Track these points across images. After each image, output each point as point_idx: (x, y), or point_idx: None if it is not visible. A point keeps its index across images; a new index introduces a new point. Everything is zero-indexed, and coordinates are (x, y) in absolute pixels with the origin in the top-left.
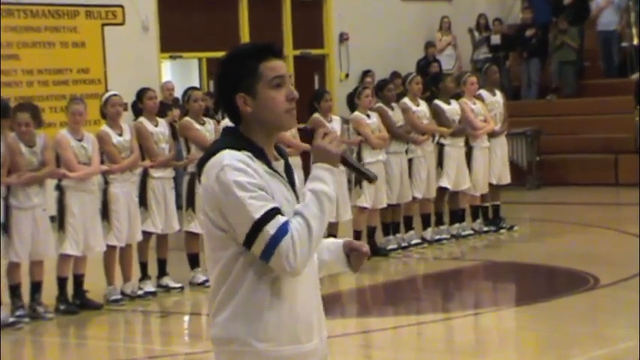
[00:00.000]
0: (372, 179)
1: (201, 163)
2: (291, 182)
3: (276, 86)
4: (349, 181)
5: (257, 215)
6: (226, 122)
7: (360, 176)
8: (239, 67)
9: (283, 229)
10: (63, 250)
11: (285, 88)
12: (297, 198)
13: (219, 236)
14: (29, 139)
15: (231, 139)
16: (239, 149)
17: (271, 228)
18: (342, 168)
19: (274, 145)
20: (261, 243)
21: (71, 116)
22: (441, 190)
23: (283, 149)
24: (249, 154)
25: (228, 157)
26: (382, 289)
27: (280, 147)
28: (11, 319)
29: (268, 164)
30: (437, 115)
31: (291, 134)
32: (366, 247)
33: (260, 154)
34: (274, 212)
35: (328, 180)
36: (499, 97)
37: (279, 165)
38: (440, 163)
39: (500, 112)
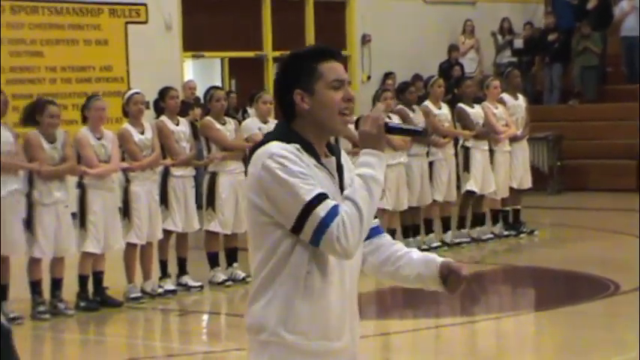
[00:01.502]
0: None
1: (251, 153)
2: (341, 180)
3: (334, 88)
4: None
5: (307, 198)
6: (247, 122)
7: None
8: (300, 66)
9: (333, 212)
10: (84, 249)
11: (342, 89)
12: None
13: (263, 222)
14: (50, 134)
15: (282, 133)
16: (288, 142)
17: (321, 211)
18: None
19: (327, 143)
20: (311, 226)
21: (94, 112)
22: (468, 194)
23: (336, 147)
24: (298, 146)
25: (277, 147)
26: (401, 291)
27: (332, 145)
28: (12, 315)
29: (317, 159)
30: (461, 118)
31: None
32: (464, 272)
33: (309, 149)
34: (323, 196)
35: (374, 164)
36: (521, 101)
37: (330, 162)
38: (466, 167)
39: (523, 116)
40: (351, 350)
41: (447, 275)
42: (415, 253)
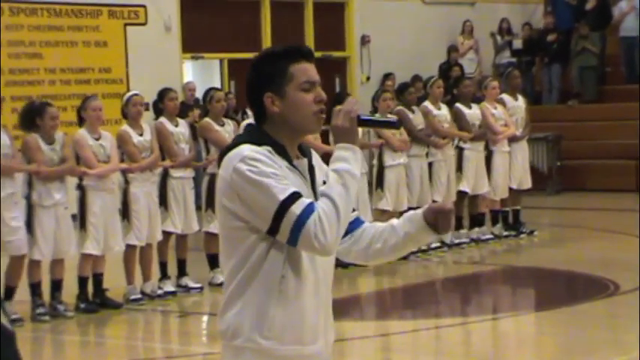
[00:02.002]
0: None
1: (221, 156)
2: (313, 182)
3: (305, 90)
4: (370, 184)
5: (281, 197)
6: (245, 124)
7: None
8: (269, 68)
9: (309, 209)
10: (84, 250)
11: (314, 91)
12: (316, 198)
13: (236, 227)
14: (49, 136)
15: (253, 135)
16: (259, 144)
17: (297, 208)
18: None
19: (298, 145)
20: (287, 225)
21: (92, 112)
22: (461, 194)
23: (307, 148)
24: (270, 148)
25: (248, 149)
26: (401, 292)
27: (304, 146)
28: (13, 317)
29: (289, 161)
30: (457, 118)
31: (314, 137)
32: (448, 205)
33: (281, 151)
34: (298, 195)
35: (349, 158)
36: (521, 101)
37: (301, 163)
38: (459, 167)
39: (522, 116)
40: (325, 354)
41: (434, 219)
42: (395, 221)
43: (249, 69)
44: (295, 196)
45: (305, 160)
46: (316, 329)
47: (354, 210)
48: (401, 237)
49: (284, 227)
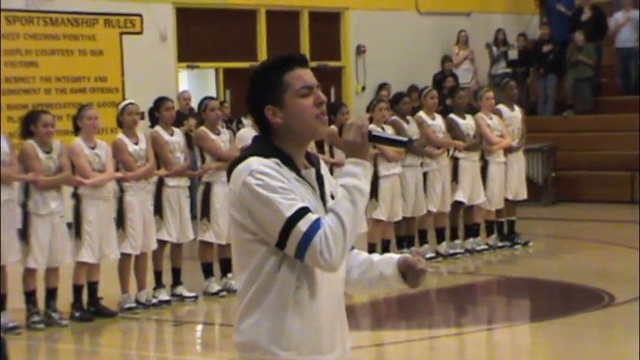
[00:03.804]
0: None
1: (230, 170)
2: (322, 191)
3: (303, 95)
4: None
5: (288, 213)
6: (242, 133)
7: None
8: (265, 80)
9: (315, 226)
10: (79, 258)
11: (312, 95)
12: (325, 207)
13: (248, 240)
14: (46, 144)
15: (260, 147)
16: (267, 157)
17: (303, 225)
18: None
19: (306, 154)
20: (293, 241)
21: (87, 121)
22: (457, 204)
23: (315, 158)
24: (277, 160)
25: (256, 163)
26: (396, 302)
27: (312, 155)
28: (11, 324)
29: (297, 172)
30: (451, 128)
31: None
32: (421, 264)
33: (288, 162)
34: (305, 210)
35: (359, 174)
36: (517, 112)
37: (309, 173)
38: (455, 177)
39: (519, 127)
40: None
41: (405, 271)
42: (376, 257)
43: (248, 84)
44: (302, 212)
45: (313, 170)
46: (333, 337)
47: None
48: (376, 275)
49: (291, 243)
